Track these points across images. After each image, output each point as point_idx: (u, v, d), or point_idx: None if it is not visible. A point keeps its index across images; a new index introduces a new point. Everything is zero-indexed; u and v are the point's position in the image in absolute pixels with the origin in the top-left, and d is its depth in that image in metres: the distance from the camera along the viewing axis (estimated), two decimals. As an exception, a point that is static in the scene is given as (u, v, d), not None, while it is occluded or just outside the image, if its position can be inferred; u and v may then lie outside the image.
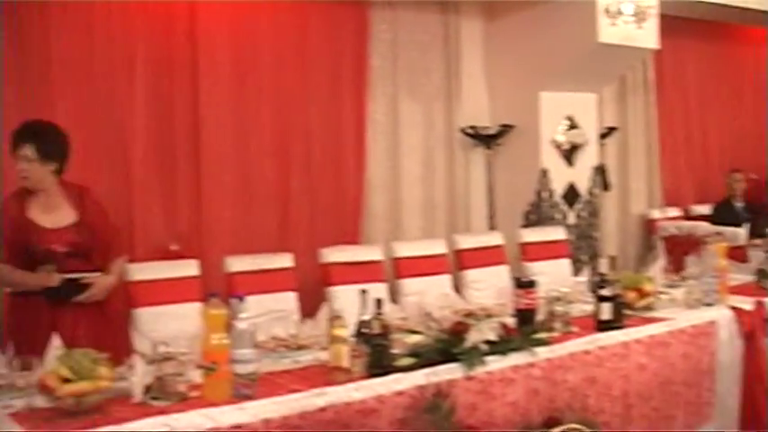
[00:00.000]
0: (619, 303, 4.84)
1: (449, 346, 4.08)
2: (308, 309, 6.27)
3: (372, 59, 7.96)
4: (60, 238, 4.56)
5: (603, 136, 9.13)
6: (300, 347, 4.36)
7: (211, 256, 6.40)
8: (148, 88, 6.76)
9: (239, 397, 3.51)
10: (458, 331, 4.16)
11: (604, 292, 4.78)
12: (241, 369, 3.53)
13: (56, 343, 3.93)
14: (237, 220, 7.10)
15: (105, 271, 4.71)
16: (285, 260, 6.30)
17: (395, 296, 6.49)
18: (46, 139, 4.63)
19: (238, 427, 3.36)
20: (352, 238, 7.58)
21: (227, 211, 7.04)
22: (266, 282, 5.90)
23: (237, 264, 6.04)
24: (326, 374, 3.83)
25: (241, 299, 3.57)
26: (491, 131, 8.42)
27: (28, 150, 4.54)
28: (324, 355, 4.04)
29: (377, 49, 7.99)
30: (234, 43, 7.14)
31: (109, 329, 4.80)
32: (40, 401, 3.44)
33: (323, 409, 3.58)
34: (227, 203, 7.06)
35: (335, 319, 3.83)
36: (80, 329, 4.54)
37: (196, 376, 3.63)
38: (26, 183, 4.61)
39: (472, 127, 8.40)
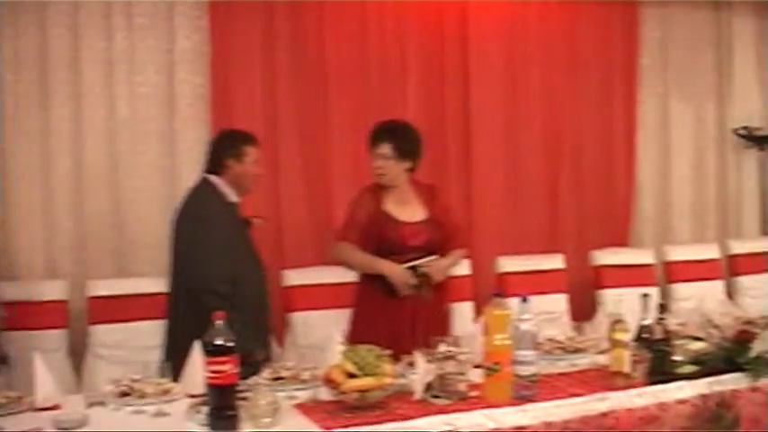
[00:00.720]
0: None
1: (733, 354, 3.93)
2: (577, 311, 6.22)
3: (642, 59, 7.79)
4: (415, 232, 4.69)
5: None
6: (577, 350, 4.30)
7: (481, 256, 6.42)
8: (420, 88, 6.86)
9: (520, 398, 3.48)
10: (742, 340, 4.01)
11: None
12: (522, 370, 3.50)
13: (337, 339, 4.00)
14: (507, 219, 7.08)
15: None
16: (556, 261, 6.25)
17: (666, 300, 6.34)
18: (403, 138, 4.77)
19: (521, 428, 3.34)
20: (621, 241, 7.43)
21: (497, 211, 7.04)
22: (537, 283, 5.88)
23: (509, 264, 6.05)
24: (606, 379, 3.76)
25: (524, 299, 3.54)
26: (765, 132, 8.09)
27: (385, 148, 4.70)
28: (601, 359, 3.99)
29: (647, 49, 7.81)
30: (504, 43, 7.14)
31: (443, 321, 4.90)
32: (324, 394, 3.50)
33: (604, 414, 3.51)
34: (497, 203, 7.06)
35: (617, 322, 3.74)
36: (419, 318, 4.66)
37: (475, 376, 3.63)
38: (381, 179, 4.77)
39: (745, 128, 8.08)
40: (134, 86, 6.21)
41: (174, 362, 3.91)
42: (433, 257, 4.65)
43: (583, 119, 7.45)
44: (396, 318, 4.59)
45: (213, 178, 4.73)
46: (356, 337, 4.55)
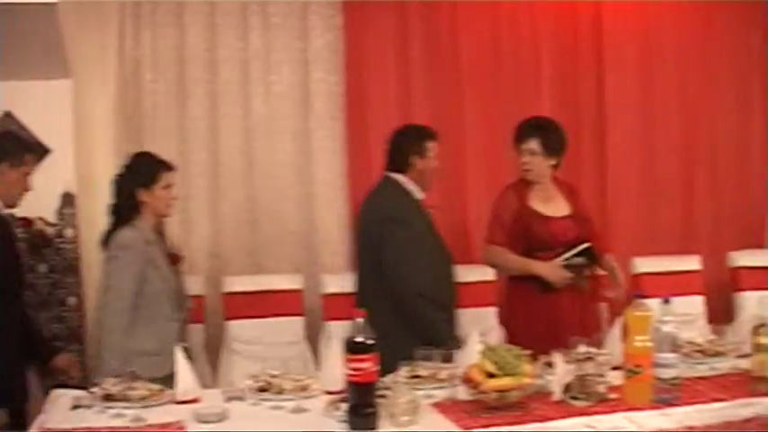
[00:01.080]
0: None
1: None
2: (713, 313, 6.10)
3: (778, 56, 7.59)
4: (564, 228, 4.72)
5: None
6: (717, 354, 4.20)
7: (616, 256, 6.33)
8: (554, 87, 6.80)
9: (660, 402, 3.42)
10: None
11: None
12: (663, 373, 3.43)
13: (476, 337, 3.98)
14: (642, 219, 6.95)
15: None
16: (692, 262, 6.15)
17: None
18: (550, 134, 4.80)
19: (662, 432, 3.28)
20: (758, 242, 7.23)
21: (632, 211, 6.92)
22: (673, 284, 5.76)
23: (644, 264, 5.97)
24: (748, 384, 3.67)
25: (666, 301, 3.47)
26: None
27: (533, 144, 4.73)
28: (742, 364, 3.90)
29: (784, 47, 7.62)
30: (639, 41, 7.01)
31: (595, 316, 4.93)
32: (462, 394, 3.49)
33: (748, 420, 3.42)
34: (632, 202, 6.94)
35: (761, 326, 3.66)
36: (573, 316, 4.67)
37: (613, 378, 3.58)
38: (527, 175, 4.80)
39: None
40: (269, 85, 6.31)
41: None
42: (587, 245, 4.64)
43: (718, 117, 7.25)
44: (552, 312, 4.61)
45: (399, 177, 4.73)
46: (515, 333, 4.69)
